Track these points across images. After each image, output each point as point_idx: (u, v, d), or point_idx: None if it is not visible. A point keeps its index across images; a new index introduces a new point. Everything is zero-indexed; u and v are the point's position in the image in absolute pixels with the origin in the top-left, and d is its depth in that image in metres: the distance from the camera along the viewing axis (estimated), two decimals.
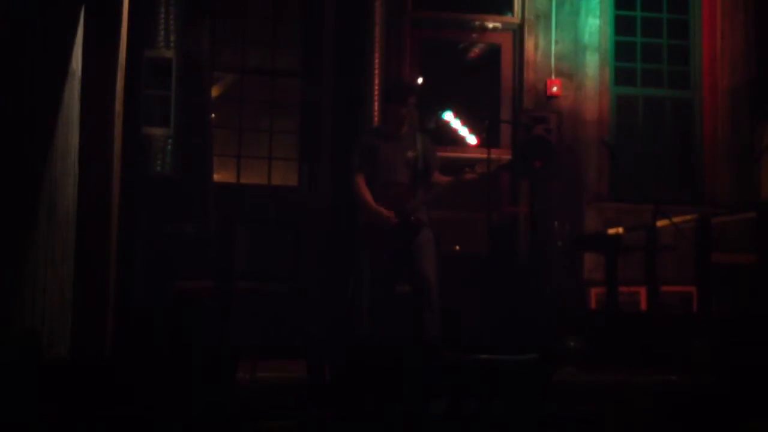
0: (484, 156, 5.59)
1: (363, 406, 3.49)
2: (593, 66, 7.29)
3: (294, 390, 4.09)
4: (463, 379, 3.59)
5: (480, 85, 7.48)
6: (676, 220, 5.71)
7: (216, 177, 6.81)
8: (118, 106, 4.83)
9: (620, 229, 6.18)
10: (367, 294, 5.16)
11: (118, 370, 3.32)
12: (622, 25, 7.54)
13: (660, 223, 5.71)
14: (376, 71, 6.60)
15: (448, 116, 6.37)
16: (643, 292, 6.50)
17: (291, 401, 3.88)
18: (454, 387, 3.53)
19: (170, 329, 5.37)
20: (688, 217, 5.93)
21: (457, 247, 7.11)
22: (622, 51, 7.53)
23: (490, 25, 7.32)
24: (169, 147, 5.85)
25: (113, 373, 3.30)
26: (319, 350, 4.09)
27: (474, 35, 7.39)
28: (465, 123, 6.65)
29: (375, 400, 3.49)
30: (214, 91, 7.11)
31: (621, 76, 7.53)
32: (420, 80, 7.24)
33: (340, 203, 6.33)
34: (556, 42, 7.26)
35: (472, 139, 6.71)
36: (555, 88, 7.19)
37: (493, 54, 7.44)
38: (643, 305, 6.54)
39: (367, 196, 5.23)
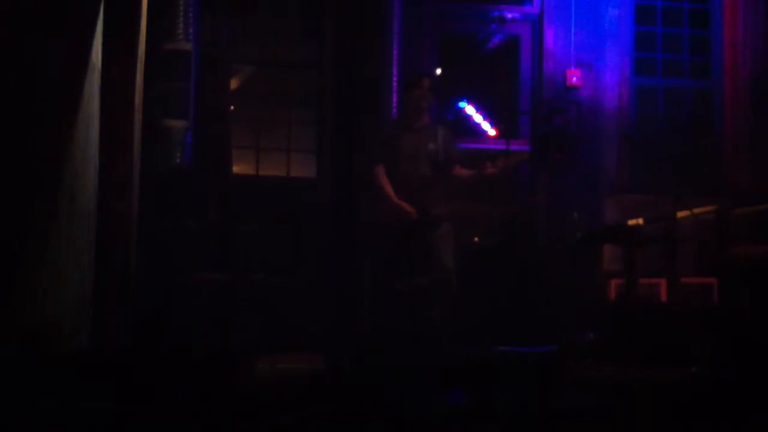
0: (503, 147, 5.58)
1: (367, 402, 3.49)
2: (613, 56, 7.24)
3: (297, 387, 4.09)
4: (480, 370, 3.59)
5: (499, 76, 7.46)
6: (696, 211, 5.66)
7: (234, 169, 6.83)
8: (138, 98, 4.86)
9: (640, 221, 6.14)
10: (377, 289, 5.15)
11: (138, 361, 3.35)
12: (642, 15, 7.48)
13: (680, 215, 5.67)
14: (394, 62, 6.59)
15: (467, 107, 6.35)
16: (663, 283, 6.46)
17: (293, 398, 3.88)
18: (468, 379, 3.54)
19: (185, 322, 5.40)
20: (709, 208, 5.88)
21: (476, 239, 7.10)
22: (642, 41, 7.47)
23: (509, 15, 7.28)
24: (188, 139, 5.88)
25: (133, 364, 3.33)
26: (323, 346, 4.10)
27: (493, 26, 7.35)
28: (483, 114, 6.63)
29: (387, 394, 3.49)
30: (233, 83, 7.12)
31: (641, 66, 7.47)
32: (438, 71, 7.22)
33: (357, 195, 6.33)
34: (576, 32, 7.22)
35: (490, 130, 6.69)
36: (574, 79, 7.15)
37: (512, 44, 7.41)
38: (663, 297, 6.50)
39: (389, 188, 5.20)
